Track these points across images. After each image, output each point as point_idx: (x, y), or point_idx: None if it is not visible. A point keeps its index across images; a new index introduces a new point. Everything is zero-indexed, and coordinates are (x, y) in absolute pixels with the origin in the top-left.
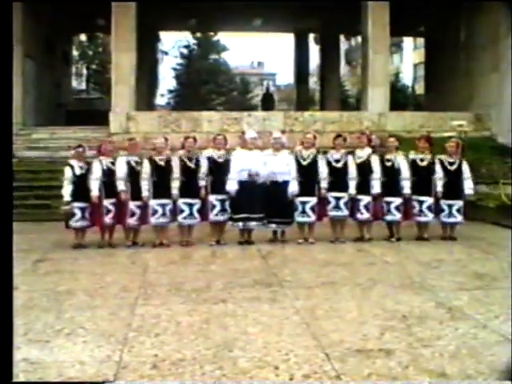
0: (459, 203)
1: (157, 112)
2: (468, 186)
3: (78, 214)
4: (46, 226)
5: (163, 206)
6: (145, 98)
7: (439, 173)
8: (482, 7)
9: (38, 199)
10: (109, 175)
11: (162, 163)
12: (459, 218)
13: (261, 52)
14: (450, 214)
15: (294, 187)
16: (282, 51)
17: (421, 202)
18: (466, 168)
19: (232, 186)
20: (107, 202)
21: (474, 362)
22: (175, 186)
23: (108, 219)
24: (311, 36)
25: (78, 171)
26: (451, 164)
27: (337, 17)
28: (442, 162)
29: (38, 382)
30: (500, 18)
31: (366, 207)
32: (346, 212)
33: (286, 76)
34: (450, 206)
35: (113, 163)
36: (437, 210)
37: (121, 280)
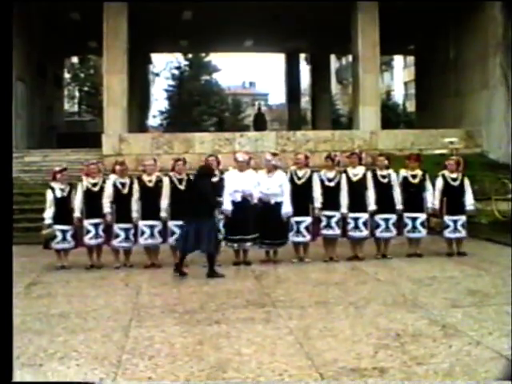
0: (463, 218)
1: (149, 133)
2: (470, 202)
3: (60, 236)
4: (38, 249)
5: (151, 227)
6: (137, 120)
7: (438, 188)
8: (470, 25)
9: (30, 222)
10: (90, 196)
11: (151, 184)
12: (463, 232)
13: (252, 72)
14: (455, 230)
15: (287, 208)
16: (273, 71)
17: (414, 219)
18: (467, 184)
19: (227, 206)
20: (87, 223)
21: (468, 379)
22: (164, 207)
23: (88, 240)
24: (302, 56)
25: (58, 194)
26: (454, 180)
27: (327, 36)
28: (444, 178)
29: (37, 381)
30: (488, 36)
31: (365, 224)
32: (337, 231)
33: (277, 96)
34: (454, 222)
35: (95, 184)
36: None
37: (114, 302)
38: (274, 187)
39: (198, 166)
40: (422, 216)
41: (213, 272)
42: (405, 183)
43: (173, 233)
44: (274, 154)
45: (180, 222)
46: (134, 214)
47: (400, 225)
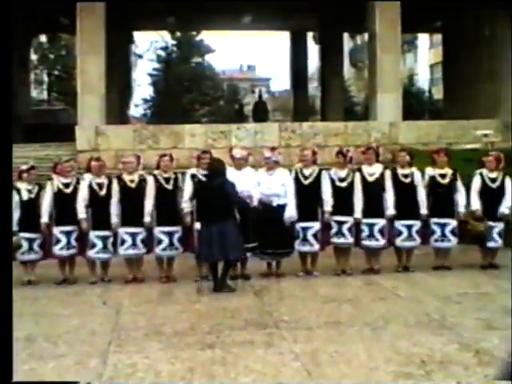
0: (501, 225)
1: (131, 125)
2: (507, 205)
3: (25, 245)
4: None
5: (133, 235)
6: (117, 110)
7: (475, 189)
8: None
9: None
10: (62, 199)
11: (133, 185)
12: (500, 242)
13: (251, 54)
14: (492, 238)
15: (291, 212)
16: (275, 52)
17: (443, 225)
18: (508, 185)
19: None
20: (57, 231)
21: None
22: (148, 211)
23: (58, 250)
24: (309, 35)
25: (25, 196)
26: (493, 181)
27: (339, 12)
28: (482, 178)
29: (37, 381)
30: None
31: (381, 232)
32: (350, 239)
33: (281, 81)
34: (491, 229)
35: (67, 185)
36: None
37: (90, 323)
38: (276, 186)
39: (208, 162)
40: (453, 222)
41: (224, 284)
42: (432, 183)
43: (159, 241)
44: (273, 149)
45: (167, 228)
46: (114, 220)
47: (425, 232)
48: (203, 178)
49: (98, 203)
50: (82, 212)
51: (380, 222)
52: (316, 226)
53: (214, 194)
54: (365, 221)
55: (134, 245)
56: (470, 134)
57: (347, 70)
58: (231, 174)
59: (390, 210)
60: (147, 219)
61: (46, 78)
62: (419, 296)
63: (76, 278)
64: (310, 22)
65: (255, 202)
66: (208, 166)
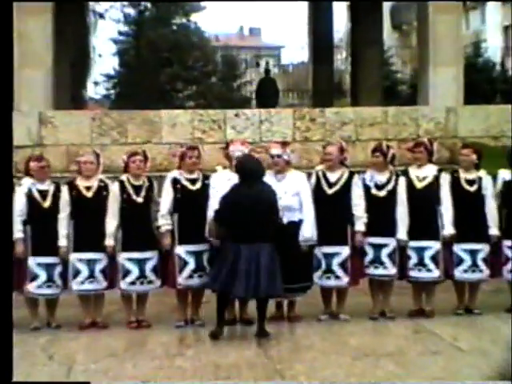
0: None
1: (88, 111)
2: None
3: None
4: None
5: (90, 263)
6: (69, 89)
7: None
8: None
9: None
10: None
11: (90, 194)
12: None
13: (254, 13)
14: None
15: (308, 231)
16: (288, 12)
17: None
18: None
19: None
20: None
21: None
22: (111, 231)
23: None
24: None
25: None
26: None
27: None
28: None
29: (37, 381)
30: None
31: (435, 260)
32: (391, 269)
33: (296, 51)
34: None
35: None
36: None
37: None
38: (287, 196)
39: (237, 161)
40: None
41: (263, 329)
42: (508, 192)
43: (126, 272)
44: (285, 144)
45: (137, 254)
46: (62, 242)
47: (496, 260)
48: (189, 185)
49: (39, 218)
50: (17, 230)
51: (433, 246)
52: (344, 251)
53: (253, 204)
54: (412, 244)
55: (91, 277)
56: None
57: (388, 35)
58: (226, 178)
59: (448, 228)
60: (109, 242)
61: None
62: (488, 348)
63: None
64: None
65: None
66: (239, 165)
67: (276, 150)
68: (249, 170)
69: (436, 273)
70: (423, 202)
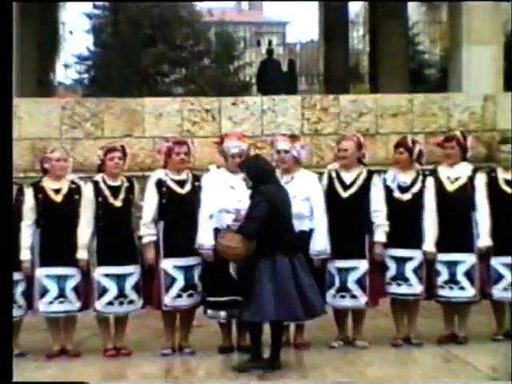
0: None
1: (57, 99)
2: None
3: None
4: None
5: (60, 279)
6: (34, 73)
7: None
8: None
9: None
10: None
11: (59, 198)
12: None
13: None
14: None
15: (321, 243)
16: None
17: None
18: None
19: (206, 239)
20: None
21: None
22: (84, 242)
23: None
24: None
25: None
26: None
27: None
28: None
29: (37, 381)
30: None
31: (469, 276)
32: (417, 287)
33: (304, 27)
34: None
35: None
36: None
37: None
38: (296, 202)
39: (247, 160)
40: None
41: (279, 360)
42: None
43: (103, 290)
44: (293, 138)
45: (115, 269)
46: (25, 256)
47: None
48: (176, 188)
49: None
50: None
51: (467, 260)
52: (362, 265)
53: (289, 207)
54: (442, 257)
55: (61, 296)
56: None
57: (413, 9)
58: (221, 179)
59: (484, 239)
60: (83, 255)
61: None
62: None
63: None
64: None
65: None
66: (246, 165)
67: (283, 145)
68: (265, 170)
69: (470, 291)
70: (455, 207)
